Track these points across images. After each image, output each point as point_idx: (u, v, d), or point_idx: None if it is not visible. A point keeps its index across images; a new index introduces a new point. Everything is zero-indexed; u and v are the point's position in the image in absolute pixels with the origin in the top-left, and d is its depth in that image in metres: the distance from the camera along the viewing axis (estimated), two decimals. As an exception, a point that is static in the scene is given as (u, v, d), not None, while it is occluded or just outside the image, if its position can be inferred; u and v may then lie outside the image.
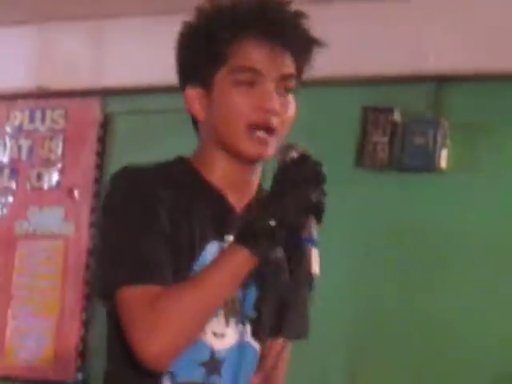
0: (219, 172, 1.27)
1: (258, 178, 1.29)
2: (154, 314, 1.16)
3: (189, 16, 1.28)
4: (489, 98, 2.84)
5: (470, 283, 2.84)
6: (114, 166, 3.25)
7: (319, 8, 2.93)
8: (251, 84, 1.21)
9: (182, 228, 1.22)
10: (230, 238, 1.22)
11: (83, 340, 3.12)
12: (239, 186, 1.27)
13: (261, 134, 1.18)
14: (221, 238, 1.23)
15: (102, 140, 3.29)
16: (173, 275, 1.20)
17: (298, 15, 1.24)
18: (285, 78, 1.21)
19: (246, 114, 1.19)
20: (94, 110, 3.26)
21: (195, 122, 1.30)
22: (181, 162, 1.31)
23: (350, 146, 2.89)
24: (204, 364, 1.25)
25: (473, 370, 2.79)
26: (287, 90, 1.22)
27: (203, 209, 1.25)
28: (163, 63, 3.31)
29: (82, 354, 3.11)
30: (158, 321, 1.16)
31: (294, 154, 1.16)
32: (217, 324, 1.25)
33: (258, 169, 1.27)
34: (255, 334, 1.28)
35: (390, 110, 2.82)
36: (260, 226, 1.13)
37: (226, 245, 1.24)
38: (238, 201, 1.26)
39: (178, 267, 1.20)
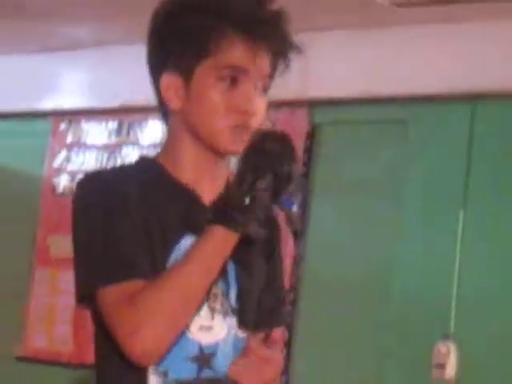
0: (189, 165, 1.26)
1: (228, 172, 1.30)
2: (136, 309, 1.16)
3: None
4: None
5: None
6: (320, 176, 3.42)
7: None
8: (233, 80, 1.21)
9: (153, 224, 1.21)
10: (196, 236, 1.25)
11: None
12: (209, 177, 1.26)
13: (240, 133, 1.21)
14: (193, 232, 1.22)
15: (309, 150, 3.39)
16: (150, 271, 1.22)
17: (282, 17, 1.24)
18: (264, 77, 1.23)
19: (227, 116, 1.21)
20: (301, 120, 3.36)
21: (165, 112, 1.29)
22: (143, 161, 1.33)
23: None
24: (194, 359, 1.26)
25: None
26: (263, 90, 1.24)
27: (171, 204, 1.25)
28: (370, 75, 3.28)
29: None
30: (141, 315, 1.15)
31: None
32: (202, 318, 1.26)
33: (228, 161, 1.29)
34: (241, 326, 1.30)
35: None
36: (233, 201, 1.15)
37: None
38: (208, 193, 1.24)
39: (153, 263, 1.20)
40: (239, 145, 1.18)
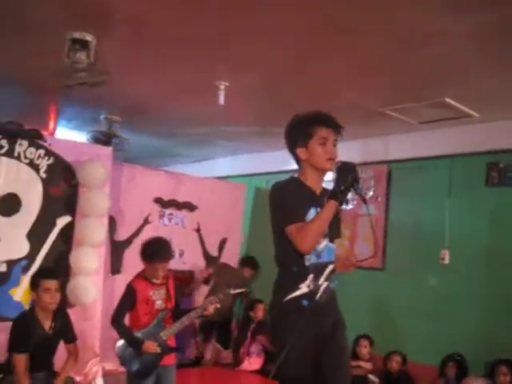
0: (309, 179, 2.82)
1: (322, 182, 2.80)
2: (302, 233, 2.63)
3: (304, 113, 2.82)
4: None
5: None
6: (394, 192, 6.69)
7: None
8: (323, 144, 2.79)
9: (303, 202, 2.72)
10: (316, 207, 2.75)
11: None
12: (317, 185, 2.84)
13: (331, 162, 2.78)
14: (314, 206, 2.74)
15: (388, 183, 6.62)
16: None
17: (336, 118, 2.82)
18: (334, 141, 2.82)
19: (325, 156, 2.78)
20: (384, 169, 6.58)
21: (298, 161, 2.87)
22: (293, 177, 2.86)
23: None
24: (316, 254, 2.78)
25: None
26: (334, 145, 2.80)
27: (306, 194, 2.78)
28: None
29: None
30: (304, 236, 2.62)
31: (339, 163, 2.72)
32: None
33: (323, 175, 2.82)
34: (331, 241, 2.87)
35: None
36: (337, 190, 2.64)
37: (317, 208, 2.72)
38: (317, 189, 2.83)
39: (303, 217, 2.68)
40: (331, 166, 2.76)
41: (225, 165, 8.80)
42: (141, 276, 4.36)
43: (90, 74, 4.31)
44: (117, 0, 3.67)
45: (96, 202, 5.74)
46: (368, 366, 6.05)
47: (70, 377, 4.62)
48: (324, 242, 2.87)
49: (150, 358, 4.20)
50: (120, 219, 6.63)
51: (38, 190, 5.61)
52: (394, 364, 5.96)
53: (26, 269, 5.44)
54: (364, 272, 5.96)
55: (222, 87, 5.15)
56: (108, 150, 6.14)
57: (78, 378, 5.23)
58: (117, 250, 6.60)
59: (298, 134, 2.87)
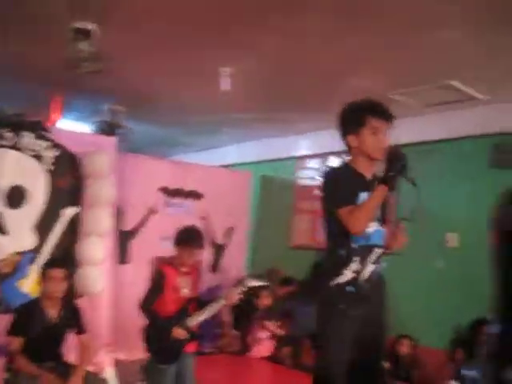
0: (360, 166, 2.90)
1: (375, 167, 2.87)
2: (354, 215, 2.72)
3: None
4: None
5: None
6: None
7: None
8: (374, 134, 2.85)
9: (354, 187, 2.80)
10: (367, 192, 2.80)
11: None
12: (367, 170, 2.91)
13: (382, 151, 2.81)
14: (365, 190, 2.81)
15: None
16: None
17: (389, 108, 2.85)
18: (386, 130, 2.86)
19: (375, 145, 2.85)
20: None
21: (348, 148, 2.94)
22: (346, 164, 2.96)
23: None
24: (364, 237, 2.85)
25: None
26: (385, 135, 2.83)
27: (357, 179, 2.87)
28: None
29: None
30: (356, 218, 2.71)
31: (389, 151, 2.78)
32: None
33: (375, 163, 2.87)
34: (382, 224, 2.94)
35: None
36: (387, 176, 2.72)
37: (367, 193, 2.79)
38: (368, 175, 2.91)
39: (353, 201, 2.76)
40: (382, 156, 2.81)
41: (231, 153, 8.80)
42: (168, 263, 4.37)
43: (94, 63, 4.30)
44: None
45: (102, 192, 5.75)
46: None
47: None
48: (374, 227, 2.91)
49: (176, 344, 4.21)
50: (126, 209, 6.65)
51: (43, 181, 5.62)
52: (404, 348, 5.91)
53: (33, 260, 5.46)
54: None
55: (227, 73, 5.10)
56: (112, 140, 6.15)
57: (88, 368, 5.19)
58: (123, 239, 6.64)
59: (349, 122, 2.93)
